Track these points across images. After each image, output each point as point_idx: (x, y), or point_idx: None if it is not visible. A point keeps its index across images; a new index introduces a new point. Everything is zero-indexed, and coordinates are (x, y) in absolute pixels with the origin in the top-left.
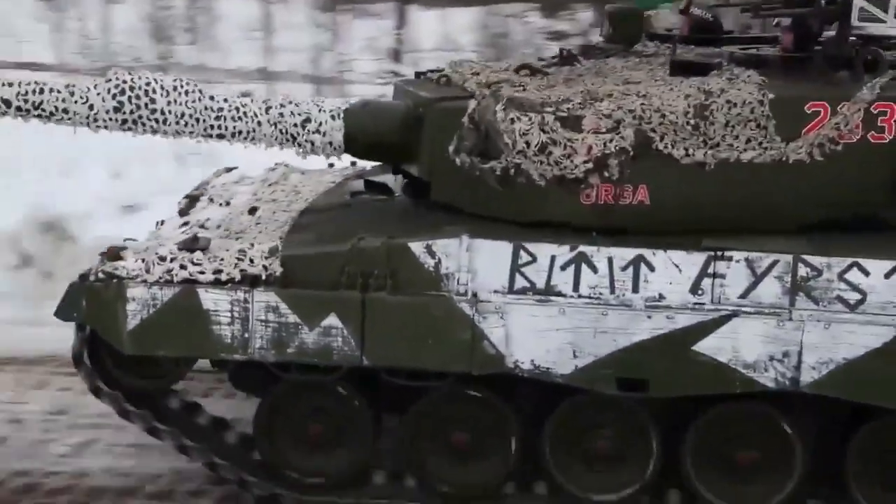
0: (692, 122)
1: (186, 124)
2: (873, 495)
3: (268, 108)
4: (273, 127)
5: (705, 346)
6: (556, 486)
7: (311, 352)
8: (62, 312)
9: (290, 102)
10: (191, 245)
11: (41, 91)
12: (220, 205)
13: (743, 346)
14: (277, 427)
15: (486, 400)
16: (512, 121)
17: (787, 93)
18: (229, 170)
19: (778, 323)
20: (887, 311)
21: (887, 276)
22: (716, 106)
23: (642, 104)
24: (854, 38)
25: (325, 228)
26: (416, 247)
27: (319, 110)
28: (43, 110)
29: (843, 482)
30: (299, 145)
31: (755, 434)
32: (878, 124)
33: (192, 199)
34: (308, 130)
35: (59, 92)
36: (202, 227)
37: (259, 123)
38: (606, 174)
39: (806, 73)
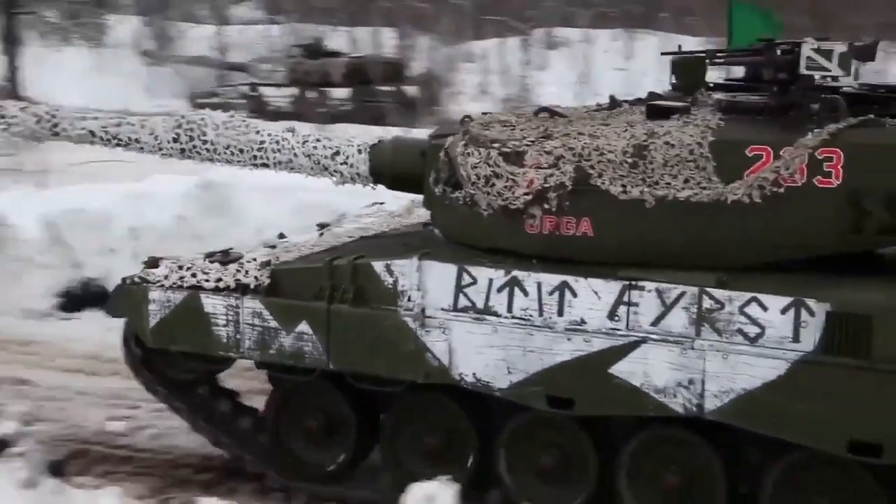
0: (630, 160)
1: (233, 154)
2: None
3: (304, 142)
4: (308, 158)
5: (620, 369)
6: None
7: (288, 354)
8: (110, 309)
9: (325, 137)
10: (220, 258)
11: (119, 124)
12: (325, 230)
13: (653, 371)
14: (282, 420)
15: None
16: (467, 155)
17: (728, 136)
18: (378, 204)
19: (682, 351)
20: (783, 346)
21: (783, 311)
22: (654, 146)
23: (584, 143)
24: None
25: (349, 251)
26: (378, 265)
27: (348, 145)
28: (120, 140)
29: None
30: (331, 174)
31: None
32: (825, 169)
33: (321, 227)
34: (337, 161)
35: (132, 125)
36: (272, 246)
37: (295, 155)
38: (546, 206)
39: (777, 120)
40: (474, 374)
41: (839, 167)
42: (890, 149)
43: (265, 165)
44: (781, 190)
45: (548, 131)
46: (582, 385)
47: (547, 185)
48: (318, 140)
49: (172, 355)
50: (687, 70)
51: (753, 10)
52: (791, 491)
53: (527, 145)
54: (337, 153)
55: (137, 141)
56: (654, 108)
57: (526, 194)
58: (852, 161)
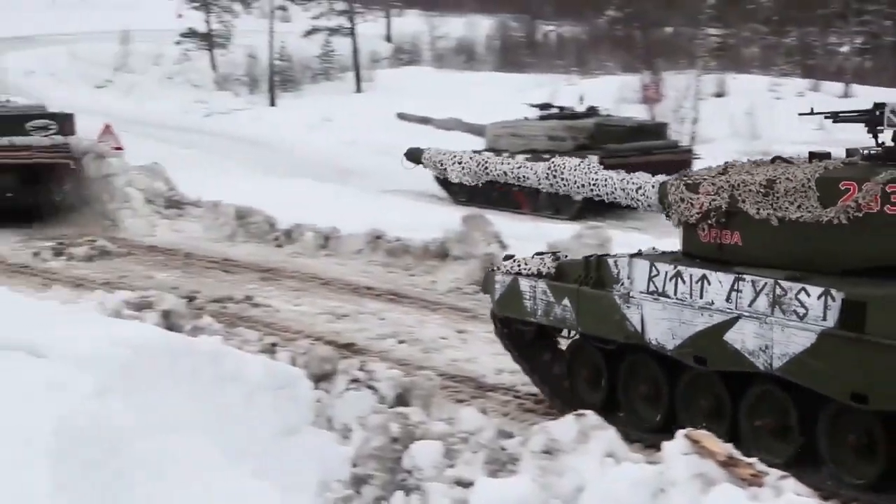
0: (763, 190)
1: (580, 187)
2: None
3: (622, 180)
4: (623, 191)
5: (729, 337)
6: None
7: (559, 320)
8: (483, 288)
9: (636, 177)
10: (544, 256)
11: (519, 167)
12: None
13: (746, 339)
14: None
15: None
16: (670, 186)
17: (829, 174)
18: None
19: (761, 324)
20: (817, 322)
21: (819, 297)
22: (779, 180)
23: (738, 178)
24: None
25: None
26: (611, 261)
27: (646, 182)
28: (519, 177)
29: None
30: (636, 202)
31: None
32: (892, 199)
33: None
34: (639, 194)
35: (527, 167)
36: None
37: (615, 188)
38: (710, 222)
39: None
40: (656, 338)
41: None
42: None
43: (598, 196)
44: (861, 214)
45: (726, 169)
46: (710, 348)
47: (710, 207)
48: (630, 179)
49: (514, 321)
50: None
51: None
52: (838, 427)
53: (703, 178)
54: (640, 188)
55: (527, 178)
56: (811, 154)
57: (697, 213)
58: None
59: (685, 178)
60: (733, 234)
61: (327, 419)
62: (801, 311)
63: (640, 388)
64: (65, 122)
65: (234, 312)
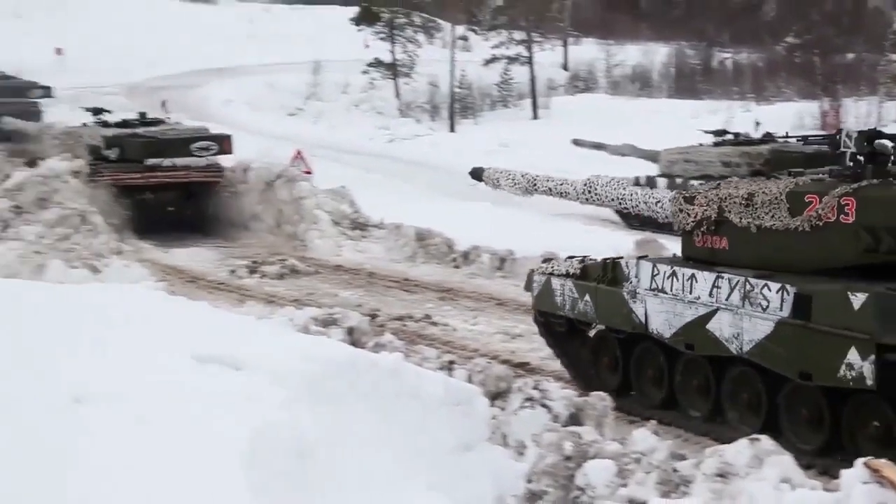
0: (744, 202)
1: (611, 200)
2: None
3: (645, 194)
4: (645, 204)
5: (710, 326)
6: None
7: (581, 313)
8: (525, 286)
9: (656, 191)
10: (573, 259)
11: (561, 184)
12: None
13: (723, 327)
14: (596, 356)
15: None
16: (672, 199)
17: (796, 188)
18: None
19: (733, 315)
20: (776, 313)
21: (777, 291)
22: (757, 193)
23: (724, 191)
24: None
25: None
26: (622, 262)
27: (664, 195)
28: (560, 192)
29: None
30: (656, 213)
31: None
32: (845, 211)
33: None
34: (658, 207)
35: (569, 183)
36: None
37: (639, 202)
38: (703, 230)
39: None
40: (657, 328)
41: (853, 210)
42: (887, 199)
43: (626, 209)
44: (821, 223)
45: (718, 185)
46: (696, 336)
47: (702, 217)
48: (651, 194)
49: (548, 314)
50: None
51: None
52: (794, 401)
53: (698, 192)
54: (658, 202)
55: (568, 193)
56: (790, 172)
57: (692, 222)
58: (861, 206)
59: (684, 192)
60: (721, 239)
61: (502, 436)
62: (765, 303)
63: (648, 372)
64: (224, 142)
65: (413, 330)
